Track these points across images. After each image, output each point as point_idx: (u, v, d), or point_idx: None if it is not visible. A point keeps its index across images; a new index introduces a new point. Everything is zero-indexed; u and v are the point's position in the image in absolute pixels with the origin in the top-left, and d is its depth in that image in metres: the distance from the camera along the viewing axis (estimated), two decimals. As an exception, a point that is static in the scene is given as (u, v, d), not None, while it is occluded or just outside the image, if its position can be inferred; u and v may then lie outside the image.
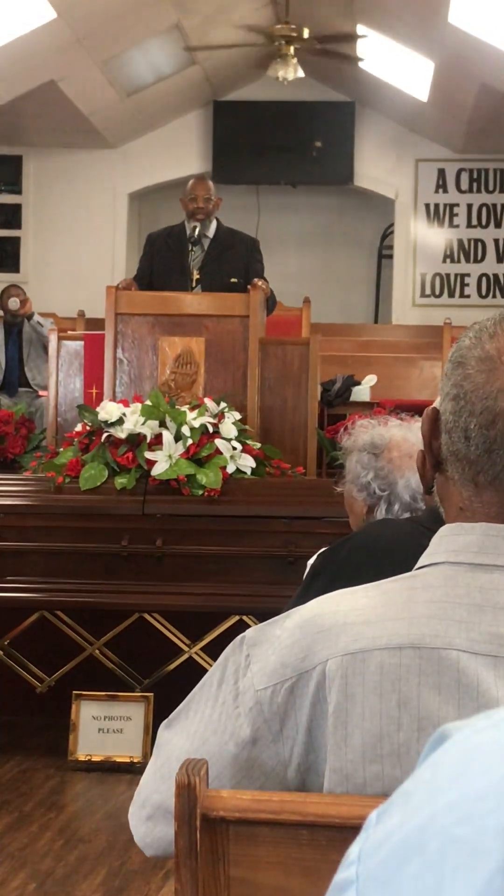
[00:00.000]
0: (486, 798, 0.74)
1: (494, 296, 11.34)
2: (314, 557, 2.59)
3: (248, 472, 5.35)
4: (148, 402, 5.40)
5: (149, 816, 1.43)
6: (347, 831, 1.06)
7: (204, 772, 1.27)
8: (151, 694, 5.31)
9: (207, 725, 1.36)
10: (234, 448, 5.34)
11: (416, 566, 1.34)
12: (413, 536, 2.33)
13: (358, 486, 2.88)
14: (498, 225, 11.51)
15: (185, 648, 5.48)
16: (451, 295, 11.29)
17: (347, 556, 2.44)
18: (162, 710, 4.82)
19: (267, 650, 1.33)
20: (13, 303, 8.40)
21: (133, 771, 5.18)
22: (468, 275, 11.43)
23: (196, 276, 6.48)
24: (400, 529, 2.49)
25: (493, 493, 1.29)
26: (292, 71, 9.35)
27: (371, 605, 1.30)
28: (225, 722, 1.34)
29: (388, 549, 2.35)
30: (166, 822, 1.37)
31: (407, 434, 2.84)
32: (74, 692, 5.32)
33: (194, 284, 6.44)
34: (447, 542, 1.31)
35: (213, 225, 6.68)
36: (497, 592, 1.26)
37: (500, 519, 1.29)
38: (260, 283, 6.21)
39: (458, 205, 11.50)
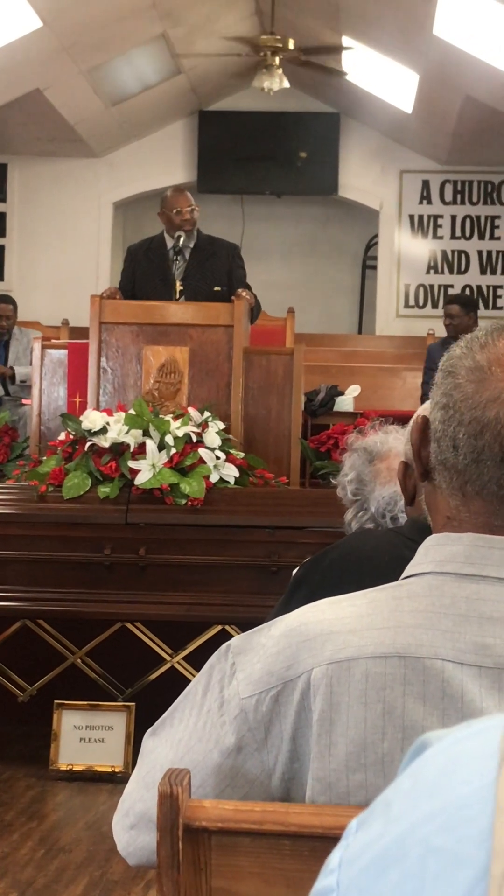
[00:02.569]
0: (467, 807, 0.74)
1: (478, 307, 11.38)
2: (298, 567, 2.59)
3: (232, 481, 5.34)
4: (132, 412, 5.40)
5: (132, 825, 1.43)
6: (330, 841, 1.06)
7: (186, 781, 1.26)
8: (133, 703, 5.30)
9: (192, 734, 1.36)
10: (218, 457, 5.34)
11: (403, 575, 1.34)
12: (396, 547, 2.33)
13: (339, 484, 2.89)
14: (482, 237, 11.54)
15: (168, 658, 5.47)
16: (435, 306, 11.31)
17: (330, 566, 2.44)
18: (144, 719, 4.81)
19: (252, 658, 1.33)
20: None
21: (114, 780, 5.16)
22: (452, 286, 11.45)
23: (179, 286, 6.48)
24: (383, 540, 2.49)
25: (481, 503, 1.29)
26: (277, 82, 9.38)
27: (357, 615, 1.30)
28: (210, 730, 1.34)
29: (370, 560, 2.35)
30: (150, 832, 1.36)
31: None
32: (56, 701, 5.31)
33: (178, 295, 6.43)
34: (434, 551, 1.31)
35: (194, 234, 6.68)
36: (483, 603, 1.26)
37: (487, 529, 1.29)
38: (245, 293, 6.21)
39: (442, 216, 11.54)
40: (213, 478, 5.28)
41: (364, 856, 0.76)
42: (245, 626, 2.70)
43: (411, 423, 1.40)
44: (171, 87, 10.62)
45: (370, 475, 2.81)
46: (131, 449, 5.28)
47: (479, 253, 11.52)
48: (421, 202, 11.55)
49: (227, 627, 5.32)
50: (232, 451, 5.44)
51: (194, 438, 5.35)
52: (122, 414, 5.39)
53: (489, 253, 11.52)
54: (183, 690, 1.42)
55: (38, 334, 8.74)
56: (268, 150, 11.41)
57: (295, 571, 2.57)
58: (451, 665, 1.23)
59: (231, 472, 5.34)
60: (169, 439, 5.28)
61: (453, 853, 0.72)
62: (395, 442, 2.86)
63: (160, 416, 5.43)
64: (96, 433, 5.34)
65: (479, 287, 11.49)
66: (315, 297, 12.02)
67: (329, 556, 2.48)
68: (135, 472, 5.23)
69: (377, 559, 2.31)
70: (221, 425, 5.50)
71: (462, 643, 1.24)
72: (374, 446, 2.87)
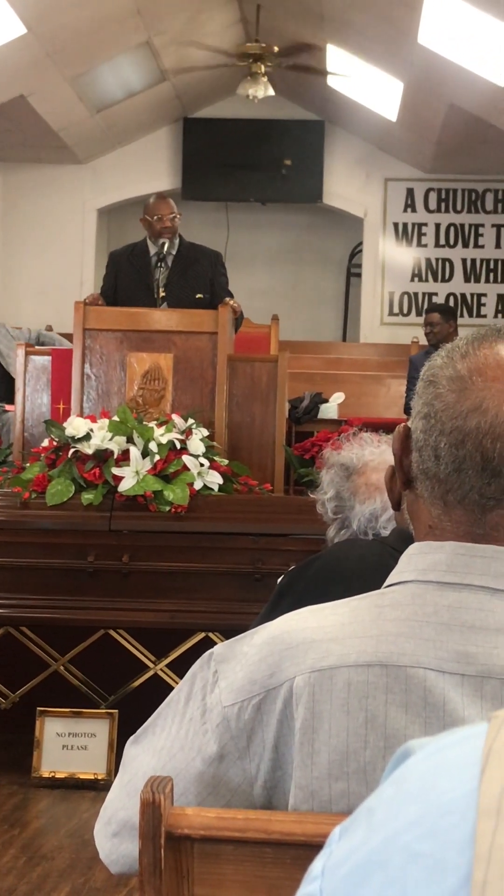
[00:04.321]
0: (450, 814, 0.74)
1: (462, 315, 11.40)
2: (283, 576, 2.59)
3: (216, 488, 5.34)
4: (115, 418, 5.39)
5: (114, 833, 1.43)
6: (312, 849, 1.06)
7: (169, 789, 1.26)
8: (116, 711, 5.29)
9: (174, 741, 1.36)
10: (202, 464, 5.34)
11: (385, 584, 1.34)
12: (381, 556, 2.33)
13: (319, 502, 2.88)
14: (466, 244, 11.57)
15: (151, 665, 5.46)
16: (419, 314, 11.33)
17: (315, 574, 2.44)
18: (127, 726, 4.80)
19: (234, 666, 1.33)
20: None
21: (97, 788, 5.15)
22: (436, 294, 11.48)
23: (161, 293, 6.48)
24: (368, 549, 2.49)
25: (462, 511, 1.29)
26: (262, 89, 9.40)
27: (339, 623, 1.30)
28: (192, 738, 1.34)
29: (355, 569, 2.35)
30: (132, 839, 1.36)
31: (385, 461, 2.80)
32: (39, 708, 5.29)
33: (160, 302, 6.44)
34: (416, 560, 1.32)
35: (176, 241, 6.68)
36: (465, 611, 1.26)
37: (468, 538, 1.29)
38: (232, 302, 6.22)
39: (426, 224, 11.56)
40: (197, 485, 5.28)
41: (347, 863, 0.77)
42: (228, 633, 2.70)
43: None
44: (155, 94, 10.63)
45: (349, 491, 2.80)
46: (115, 456, 5.28)
47: (464, 261, 11.55)
48: (405, 210, 11.58)
49: (210, 635, 5.32)
50: (216, 458, 5.44)
51: (178, 445, 5.35)
52: (106, 421, 5.38)
53: (473, 261, 11.55)
54: (166, 698, 1.42)
55: (2, 323, 8.73)
56: (252, 157, 11.42)
57: (279, 580, 2.57)
58: (434, 673, 1.23)
59: (215, 479, 5.34)
60: (153, 446, 5.28)
61: (436, 859, 0.72)
62: (371, 455, 2.85)
63: (144, 422, 5.43)
64: (80, 440, 5.34)
65: (462, 295, 11.52)
66: (300, 305, 12.03)
67: (314, 566, 2.48)
68: (118, 478, 5.23)
69: (362, 568, 2.31)
70: (205, 432, 5.50)
71: (444, 651, 1.24)
72: (351, 461, 2.85)
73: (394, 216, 11.58)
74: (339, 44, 9.50)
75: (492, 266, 11.54)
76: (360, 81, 9.97)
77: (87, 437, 5.34)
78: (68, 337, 6.24)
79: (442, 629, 1.25)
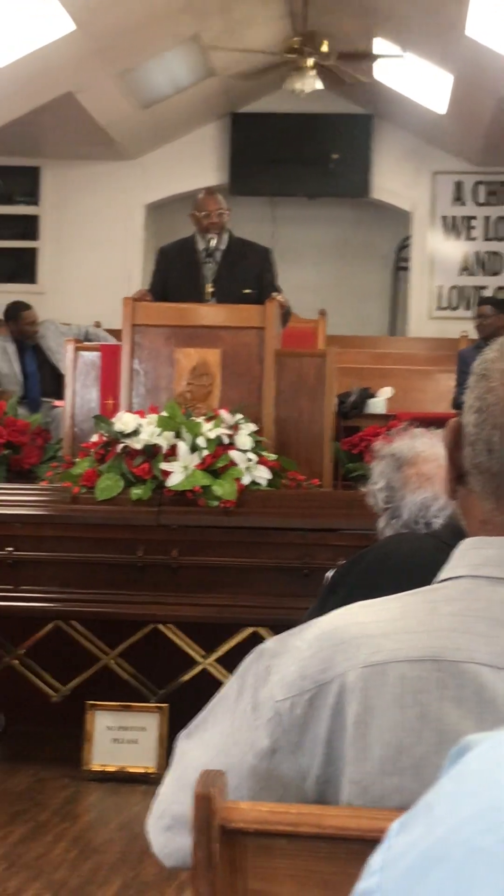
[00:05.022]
0: None
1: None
2: (332, 570, 2.59)
3: (264, 483, 5.35)
4: (164, 413, 5.41)
5: (167, 827, 1.43)
6: (366, 844, 1.06)
7: (222, 783, 1.27)
8: (166, 705, 5.31)
9: (226, 736, 1.36)
10: (250, 459, 5.34)
11: (437, 579, 1.34)
12: (431, 551, 2.33)
13: (370, 493, 2.87)
14: (515, 237, 11.51)
15: (200, 660, 5.48)
16: (468, 308, 11.28)
17: (366, 569, 2.43)
18: (176, 721, 4.82)
19: (286, 661, 1.33)
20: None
21: (147, 781, 5.17)
22: (485, 287, 11.42)
23: (210, 288, 6.49)
24: (418, 543, 2.48)
25: (515, 506, 1.29)
26: (310, 83, 9.37)
27: (391, 618, 1.30)
28: (244, 733, 1.34)
29: (405, 563, 2.35)
30: (185, 833, 1.37)
31: (436, 453, 2.80)
32: (89, 702, 5.32)
33: (208, 297, 6.45)
34: (469, 555, 1.31)
35: (225, 236, 6.69)
36: (518, 607, 1.26)
37: (522, 533, 1.28)
38: (279, 297, 6.22)
39: (475, 217, 11.50)
40: (245, 480, 5.29)
41: (406, 857, 0.77)
42: (277, 628, 2.70)
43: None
44: (203, 89, 10.64)
45: (400, 482, 2.79)
46: (163, 451, 5.29)
47: (513, 254, 11.49)
48: (454, 203, 11.52)
49: (258, 630, 5.32)
50: (264, 454, 5.44)
51: (226, 440, 5.35)
52: (155, 416, 5.40)
53: (522, 254, 11.49)
54: (216, 693, 1.42)
55: (52, 320, 8.78)
56: (300, 152, 11.41)
57: (330, 574, 2.56)
58: (487, 669, 1.23)
59: (263, 475, 5.35)
60: (201, 441, 5.29)
61: (497, 854, 0.72)
62: (423, 446, 2.84)
63: (192, 418, 5.44)
64: (129, 435, 5.36)
65: (512, 288, 11.46)
66: (347, 300, 12.00)
67: (365, 560, 2.48)
68: (167, 473, 5.24)
69: (413, 563, 2.31)
70: (253, 427, 5.50)
71: (497, 647, 1.23)
72: (402, 452, 2.85)
73: (442, 209, 11.52)
74: (387, 36, 9.46)
75: (541, 259, 11.47)
76: (409, 75, 9.93)
77: (136, 432, 5.35)
78: (116, 333, 6.25)
79: (494, 624, 1.25)
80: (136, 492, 5.25)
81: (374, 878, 0.78)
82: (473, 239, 11.52)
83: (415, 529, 2.72)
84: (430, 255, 11.53)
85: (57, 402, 7.83)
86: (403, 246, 12.05)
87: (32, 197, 11.69)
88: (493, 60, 8.45)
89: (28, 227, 11.73)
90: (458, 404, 6.80)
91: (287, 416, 5.88)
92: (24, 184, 11.69)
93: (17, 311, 8.58)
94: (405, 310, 11.79)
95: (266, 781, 1.33)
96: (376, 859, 0.79)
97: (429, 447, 2.83)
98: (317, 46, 9.20)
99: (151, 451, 5.32)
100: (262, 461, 5.39)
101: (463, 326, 10.61)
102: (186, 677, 5.47)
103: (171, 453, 5.30)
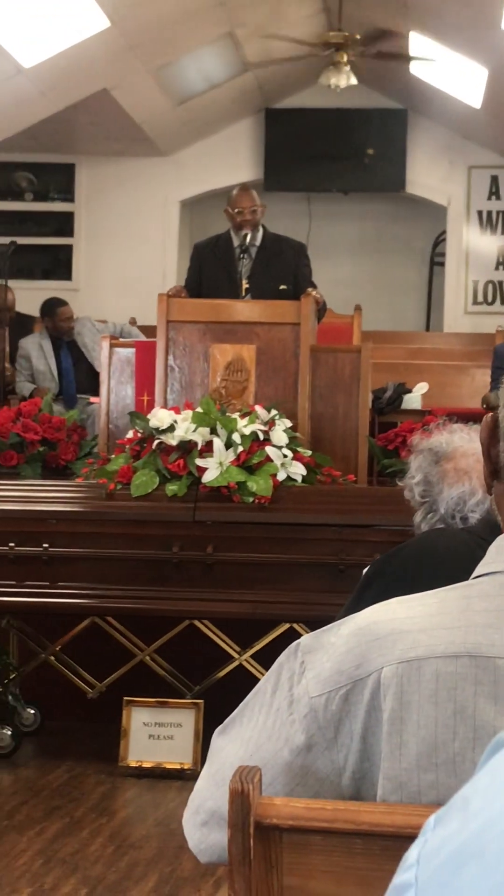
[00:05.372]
0: None
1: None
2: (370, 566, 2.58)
3: (299, 479, 5.34)
4: (199, 410, 5.41)
5: (203, 823, 1.43)
6: (402, 840, 1.05)
7: (257, 779, 1.27)
8: (202, 701, 5.31)
9: (262, 732, 1.36)
10: (285, 455, 5.34)
11: (473, 575, 1.33)
12: (468, 546, 2.32)
13: (407, 487, 2.87)
14: (551, 232, 11.44)
15: (236, 656, 5.48)
16: (504, 303, 11.24)
17: (402, 564, 2.43)
18: (212, 717, 4.83)
19: (322, 657, 1.33)
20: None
21: (183, 777, 5.19)
22: (521, 282, 11.37)
23: (245, 284, 6.49)
24: (455, 539, 2.47)
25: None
26: (345, 78, 9.35)
27: (427, 614, 1.29)
28: (279, 729, 1.34)
29: (442, 559, 2.34)
30: (220, 829, 1.37)
31: (474, 448, 2.79)
32: (125, 698, 5.34)
33: (244, 293, 6.45)
34: (505, 551, 1.30)
35: (260, 232, 6.69)
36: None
37: None
38: (314, 292, 6.21)
39: (510, 212, 11.45)
40: (281, 476, 5.28)
41: (442, 851, 0.76)
42: (313, 624, 2.70)
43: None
44: (237, 85, 10.64)
45: (437, 476, 2.79)
46: (199, 447, 5.29)
47: (549, 248, 11.43)
48: (490, 198, 11.47)
49: (294, 625, 5.32)
50: (299, 449, 5.44)
51: (261, 436, 5.35)
52: (190, 412, 5.40)
53: None
54: (251, 689, 1.42)
55: (89, 317, 8.81)
56: (335, 147, 11.39)
57: (366, 570, 2.56)
58: (523, 665, 1.22)
59: (298, 471, 5.34)
60: (236, 437, 5.29)
61: None
62: (461, 441, 2.84)
63: (227, 414, 5.44)
64: (164, 431, 5.36)
65: (548, 283, 11.39)
66: (382, 295, 11.98)
67: (400, 555, 2.47)
68: (202, 469, 5.24)
69: (449, 558, 2.30)
70: (288, 423, 5.49)
71: (534, 643, 1.23)
72: (440, 447, 2.84)
73: (478, 204, 11.48)
74: (423, 31, 9.43)
75: None
76: (444, 69, 9.90)
77: (171, 428, 5.36)
78: (151, 329, 6.26)
79: (531, 620, 1.24)
80: (172, 488, 5.26)
81: (410, 872, 0.78)
82: (509, 233, 11.47)
83: (451, 524, 2.72)
84: (465, 249, 11.49)
85: (93, 399, 7.86)
86: (439, 241, 12.01)
87: (68, 194, 11.73)
88: (528, 54, 8.40)
89: (63, 223, 11.76)
90: (488, 400, 6.76)
91: (322, 411, 5.87)
92: (60, 181, 11.73)
93: (52, 307, 8.62)
94: (441, 305, 11.75)
95: (301, 777, 1.32)
96: (412, 853, 0.79)
97: (466, 442, 2.83)
98: (352, 41, 9.18)
99: (186, 448, 5.32)
100: (297, 457, 5.38)
101: (499, 321, 10.57)
102: (222, 673, 5.47)
103: (207, 449, 5.30)
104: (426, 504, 2.79)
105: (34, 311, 9.25)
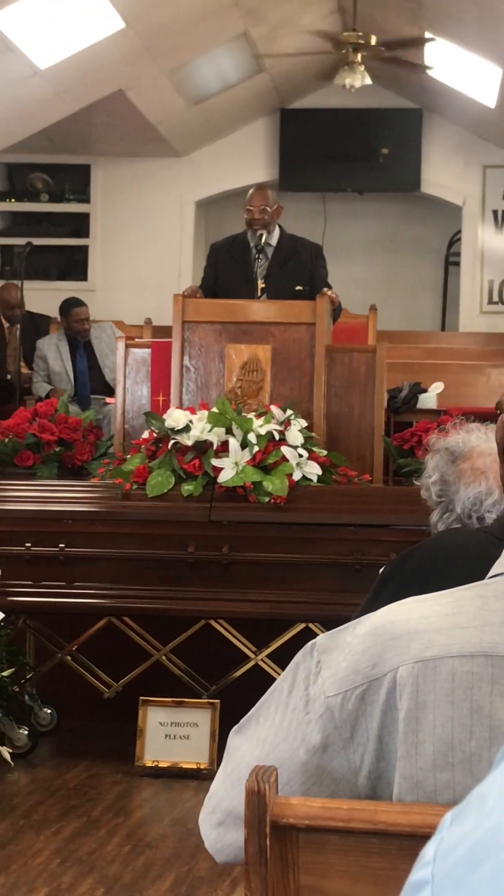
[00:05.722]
0: None
1: None
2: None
3: (315, 479, 5.34)
4: (214, 410, 5.41)
5: (219, 822, 1.44)
6: (418, 840, 1.06)
7: (274, 778, 1.27)
8: (218, 701, 5.32)
9: (278, 732, 1.36)
10: (301, 455, 5.34)
11: (489, 574, 1.33)
12: (483, 546, 2.32)
13: (423, 486, 2.87)
14: None
15: (252, 655, 5.48)
16: (519, 302, 11.22)
17: (418, 564, 2.43)
18: (228, 716, 4.83)
19: (338, 657, 1.33)
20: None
21: (200, 777, 5.19)
22: (536, 282, 11.35)
23: (261, 284, 6.50)
24: (471, 539, 2.47)
25: None
26: (360, 78, 9.33)
27: (443, 613, 1.29)
28: (295, 728, 1.34)
29: (458, 559, 2.34)
30: (237, 829, 1.37)
31: (491, 447, 2.79)
32: (141, 698, 5.35)
33: (259, 293, 6.45)
34: (521, 550, 1.31)
35: (276, 233, 6.70)
36: None
37: None
38: (329, 292, 6.22)
39: (526, 211, 11.43)
40: (296, 476, 5.28)
41: (458, 848, 0.76)
42: (329, 623, 2.70)
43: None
44: (252, 85, 10.64)
45: (454, 476, 2.78)
46: (214, 447, 5.30)
47: None
48: (505, 197, 11.45)
49: (310, 625, 5.32)
50: (315, 449, 5.44)
51: (277, 436, 5.35)
52: (205, 412, 5.41)
53: None
54: (267, 688, 1.43)
55: (110, 323, 8.84)
56: (350, 147, 11.38)
57: (382, 569, 2.56)
58: (538, 664, 1.22)
59: (314, 470, 5.34)
60: (252, 437, 5.29)
61: None
62: (478, 440, 2.84)
63: (243, 414, 5.44)
64: (179, 431, 5.37)
65: None
66: (397, 295, 11.96)
67: (416, 555, 2.47)
68: (218, 469, 5.25)
69: (465, 558, 2.30)
70: (304, 423, 5.50)
71: (549, 642, 1.23)
72: (457, 446, 2.84)
73: (493, 203, 11.46)
74: (437, 31, 9.42)
75: None
76: (459, 68, 9.88)
77: (187, 428, 5.36)
78: (167, 330, 6.27)
79: (546, 620, 1.24)
80: (187, 488, 5.26)
81: (426, 869, 0.78)
82: (525, 233, 11.45)
83: (468, 524, 2.71)
84: (480, 249, 11.47)
85: (108, 399, 7.87)
86: (454, 240, 11.99)
87: (83, 195, 11.74)
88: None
89: (79, 224, 11.78)
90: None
91: (338, 411, 5.87)
92: (76, 181, 11.75)
93: (68, 307, 8.65)
94: (456, 304, 11.73)
95: (317, 777, 1.33)
96: (428, 850, 0.79)
97: (483, 441, 2.82)
98: (367, 41, 9.16)
99: (202, 448, 5.33)
100: (312, 457, 5.38)
101: (514, 321, 10.55)
102: (238, 673, 5.48)
103: (222, 449, 5.30)
104: (442, 504, 2.78)
105: (50, 311, 9.28)
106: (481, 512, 2.70)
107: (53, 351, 8.57)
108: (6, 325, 9.11)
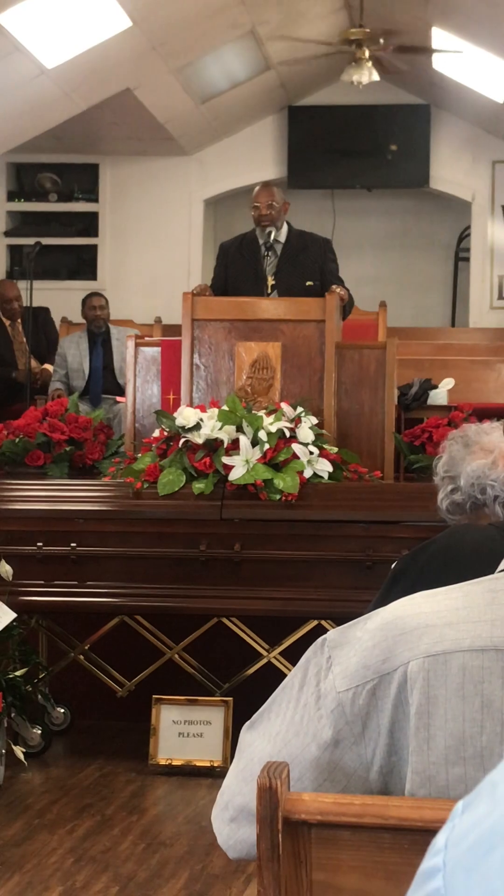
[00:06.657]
0: None
1: None
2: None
3: (326, 476, 5.34)
4: (225, 408, 5.41)
5: (232, 818, 1.44)
6: (430, 835, 1.05)
7: (285, 774, 1.27)
8: (231, 698, 5.32)
9: (289, 727, 1.36)
10: (311, 452, 5.34)
11: (499, 569, 1.33)
12: (494, 541, 2.32)
13: (434, 469, 2.94)
14: None
15: (264, 653, 5.49)
16: (529, 297, 11.20)
17: (429, 560, 2.43)
18: (241, 714, 4.83)
19: (348, 652, 1.33)
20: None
21: (213, 775, 5.19)
22: (546, 277, 11.33)
23: (271, 281, 6.49)
24: (482, 534, 2.48)
25: None
26: (367, 75, 9.33)
27: (453, 608, 1.29)
28: (307, 724, 1.34)
29: (469, 554, 2.34)
30: (249, 825, 1.37)
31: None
32: (154, 696, 5.35)
33: (270, 290, 6.45)
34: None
35: (285, 229, 6.70)
36: None
37: None
38: (339, 289, 6.21)
39: (536, 206, 11.41)
40: (307, 473, 5.28)
41: (470, 836, 0.77)
42: (340, 620, 2.70)
43: None
44: (260, 83, 10.63)
45: (462, 454, 2.85)
46: (225, 445, 5.30)
47: None
48: (514, 192, 11.43)
49: (322, 622, 5.32)
50: (325, 446, 5.43)
51: (287, 434, 5.35)
52: (216, 410, 5.40)
53: None
54: (279, 685, 1.43)
55: (135, 332, 8.87)
56: (358, 143, 11.37)
57: (393, 566, 2.57)
58: (549, 658, 1.22)
59: (325, 467, 5.34)
60: (262, 435, 5.29)
61: None
62: (494, 432, 2.89)
63: (253, 411, 5.44)
64: (190, 430, 5.37)
65: None
66: (407, 291, 11.95)
67: (428, 551, 2.48)
68: (229, 467, 5.25)
69: (476, 553, 2.30)
70: (314, 420, 5.49)
71: None
72: (472, 432, 2.91)
73: (502, 199, 11.43)
74: (444, 26, 9.41)
75: None
76: (466, 64, 9.87)
77: (198, 426, 5.36)
78: (176, 328, 6.27)
79: None
80: (199, 486, 5.26)
81: (438, 857, 0.78)
82: (535, 228, 11.43)
83: (471, 494, 2.75)
84: (490, 244, 11.45)
85: (119, 398, 7.88)
86: (464, 236, 11.97)
87: (92, 194, 11.74)
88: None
89: (88, 223, 11.78)
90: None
91: (348, 408, 5.86)
92: (84, 181, 11.75)
93: (86, 297, 8.89)
94: (466, 300, 11.72)
95: (329, 772, 1.33)
96: (440, 838, 0.80)
97: (500, 437, 2.89)
98: (374, 37, 9.16)
99: (213, 446, 5.33)
100: (323, 454, 5.38)
101: (525, 316, 10.54)
102: (251, 671, 5.48)
103: (233, 447, 5.30)
104: (448, 478, 2.83)
105: (59, 311, 9.30)
106: (483, 483, 2.75)
107: (74, 348, 8.66)
108: (7, 322, 9.14)
